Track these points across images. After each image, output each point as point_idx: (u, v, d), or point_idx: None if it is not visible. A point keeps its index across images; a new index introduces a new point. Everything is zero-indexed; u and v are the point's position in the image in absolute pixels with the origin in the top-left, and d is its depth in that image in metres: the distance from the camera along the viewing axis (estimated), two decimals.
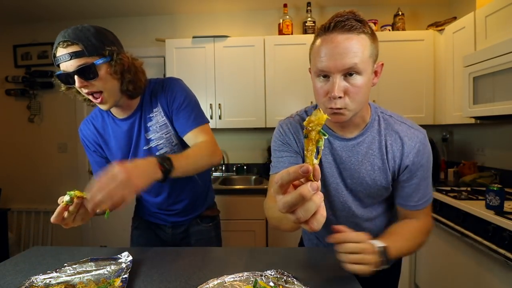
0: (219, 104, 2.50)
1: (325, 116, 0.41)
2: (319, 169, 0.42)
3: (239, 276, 0.73)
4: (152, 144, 1.07)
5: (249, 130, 2.80)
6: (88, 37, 0.89)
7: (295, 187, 0.43)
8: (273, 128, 2.71)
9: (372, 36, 0.75)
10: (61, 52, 0.87)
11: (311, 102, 2.41)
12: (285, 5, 2.55)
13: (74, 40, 0.87)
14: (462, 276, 1.61)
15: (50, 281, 0.72)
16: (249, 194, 2.22)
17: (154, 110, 1.07)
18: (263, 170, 2.78)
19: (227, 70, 2.48)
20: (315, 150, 0.42)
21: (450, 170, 2.33)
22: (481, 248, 1.43)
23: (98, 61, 0.90)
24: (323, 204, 0.42)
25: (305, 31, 2.57)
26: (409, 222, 0.88)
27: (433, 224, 0.90)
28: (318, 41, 0.76)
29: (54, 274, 0.75)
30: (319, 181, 0.42)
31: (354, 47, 0.70)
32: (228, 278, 0.72)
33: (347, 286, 0.74)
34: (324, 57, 0.73)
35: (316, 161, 0.42)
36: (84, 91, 0.92)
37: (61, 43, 0.87)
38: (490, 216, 1.38)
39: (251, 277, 0.73)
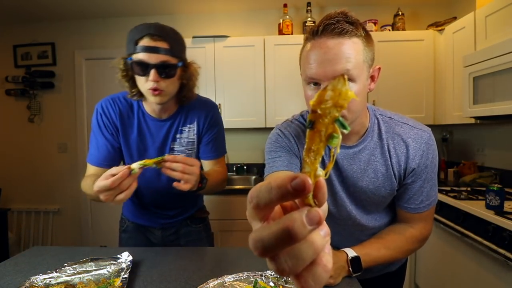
0: (219, 104, 2.49)
1: (351, 94, 0.24)
2: (325, 185, 0.24)
3: (239, 276, 0.73)
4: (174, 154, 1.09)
5: (249, 130, 2.80)
6: (174, 39, 0.93)
7: (286, 210, 0.26)
8: (272, 128, 2.71)
9: (367, 39, 0.69)
10: (148, 42, 0.89)
11: None
12: (285, 5, 2.55)
13: (163, 36, 0.90)
14: (462, 276, 1.61)
15: (50, 281, 0.72)
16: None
17: (189, 125, 1.09)
18: (263, 170, 2.77)
19: (227, 70, 2.48)
20: (323, 153, 0.24)
21: (450, 170, 2.33)
22: (481, 248, 1.43)
23: (179, 63, 0.95)
24: (328, 249, 0.24)
25: (305, 31, 2.57)
26: (398, 228, 0.86)
27: (431, 230, 0.87)
28: (307, 46, 0.70)
29: (54, 274, 0.75)
30: (326, 204, 0.25)
31: (346, 52, 0.65)
32: (228, 278, 0.72)
33: (348, 287, 0.74)
34: (313, 64, 0.68)
35: (321, 172, 0.24)
36: (150, 85, 0.91)
37: (150, 35, 0.89)
38: (490, 216, 1.38)
39: (251, 277, 0.73)
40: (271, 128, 2.80)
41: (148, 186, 1.10)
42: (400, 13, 2.49)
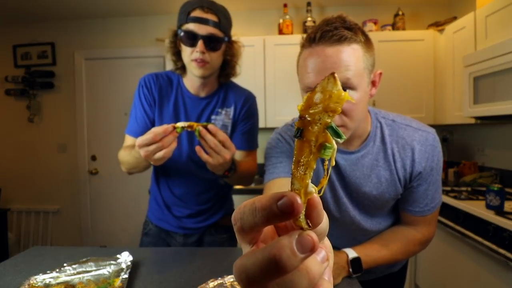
0: None
1: (345, 95, 0.20)
2: (320, 204, 0.21)
3: None
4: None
5: None
6: (224, 14, 0.97)
7: (279, 228, 0.23)
8: (273, 128, 2.72)
9: (366, 44, 0.66)
10: (200, 14, 0.92)
11: None
12: (285, 5, 2.55)
13: (214, 10, 0.93)
14: (462, 276, 1.61)
15: (50, 281, 0.72)
16: (249, 194, 2.22)
17: (226, 108, 1.08)
18: (263, 170, 2.77)
19: None
20: (314, 166, 0.21)
21: (451, 170, 2.33)
22: (481, 248, 1.43)
23: (225, 38, 0.99)
24: (328, 275, 0.22)
25: (305, 31, 2.57)
26: (401, 230, 0.85)
27: (435, 233, 0.86)
28: (305, 53, 0.68)
29: (54, 274, 0.74)
30: (325, 222, 0.22)
31: (345, 60, 0.63)
32: (228, 278, 0.72)
33: (348, 287, 0.74)
34: (311, 73, 0.66)
35: (313, 189, 0.21)
36: (196, 55, 0.93)
37: (201, 7, 0.92)
38: (490, 216, 1.38)
39: None
40: (271, 128, 2.78)
41: (179, 168, 1.07)
42: (400, 13, 2.49)
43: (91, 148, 2.94)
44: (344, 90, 0.58)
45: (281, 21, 2.54)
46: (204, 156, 0.80)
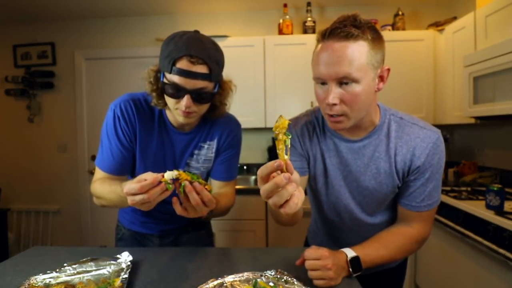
0: None
1: (287, 121, 0.55)
2: (290, 163, 0.54)
3: (239, 276, 0.73)
4: (190, 170, 1.02)
5: (249, 130, 2.79)
6: (216, 60, 0.84)
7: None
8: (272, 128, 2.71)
9: (374, 41, 0.72)
10: (187, 66, 0.79)
11: (311, 103, 2.41)
12: (285, 5, 2.55)
13: (204, 59, 0.80)
14: (462, 276, 1.61)
15: (50, 281, 0.72)
16: (249, 194, 2.22)
17: (209, 142, 1.03)
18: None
19: (227, 70, 2.43)
20: (285, 148, 0.55)
21: (450, 170, 2.33)
22: (481, 248, 1.43)
23: (215, 89, 0.88)
24: (297, 193, 0.53)
25: (305, 31, 2.57)
26: (398, 229, 0.86)
27: (430, 232, 0.88)
28: (318, 47, 0.75)
29: (54, 274, 0.74)
30: (294, 172, 0.54)
31: (349, 55, 0.69)
32: (228, 278, 0.72)
33: (348, 287, 0.74)
34: (321, 65, 0.72)
35: (287, 157, 0.54)
36: (182, 108, 0.84)
37: (188, 56, 0.79)
38: (490, 216, 1.38)
39: (251, 277, 0.73)
40: (271, 128, 2.76)
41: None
42: (400, 13, 2.49)
43: (91, 148, 2.94)
44: (347, 83, 0.73)
45: (281, 21, 2.54)
46: (178, 208, 0.75)
